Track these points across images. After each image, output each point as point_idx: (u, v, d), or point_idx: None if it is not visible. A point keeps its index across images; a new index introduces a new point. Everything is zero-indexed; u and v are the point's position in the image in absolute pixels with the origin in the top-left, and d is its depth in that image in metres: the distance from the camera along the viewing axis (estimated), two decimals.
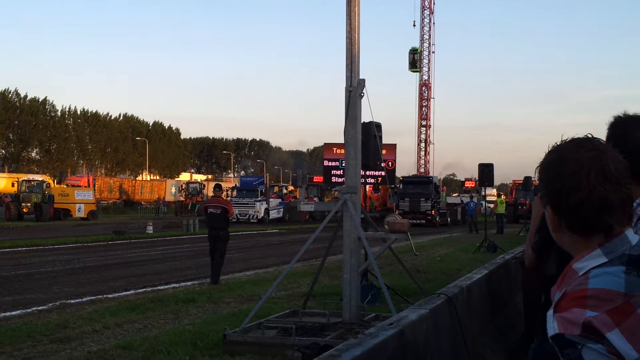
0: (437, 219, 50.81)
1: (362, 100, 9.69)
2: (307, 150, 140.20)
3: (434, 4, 76.19)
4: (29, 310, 12.31)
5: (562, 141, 1.71)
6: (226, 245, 16.08)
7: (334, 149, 40.84)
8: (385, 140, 12.96)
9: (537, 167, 1.72)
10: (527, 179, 40.30)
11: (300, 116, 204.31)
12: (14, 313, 12.00)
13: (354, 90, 9.56)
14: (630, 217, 1.63)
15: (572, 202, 1.61)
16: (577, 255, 1.65)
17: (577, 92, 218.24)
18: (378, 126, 11.08)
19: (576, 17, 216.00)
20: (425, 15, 75.95)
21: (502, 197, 42.81)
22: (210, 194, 68.35)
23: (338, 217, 10.27)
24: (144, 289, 15.18)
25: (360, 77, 9.66)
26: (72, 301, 13.26)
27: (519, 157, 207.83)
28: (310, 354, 7.14)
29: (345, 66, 9.63)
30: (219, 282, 15.57)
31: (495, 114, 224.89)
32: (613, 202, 1.59)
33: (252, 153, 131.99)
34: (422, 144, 77.67)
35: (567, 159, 1.64)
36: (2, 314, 11.88)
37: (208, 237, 16.36)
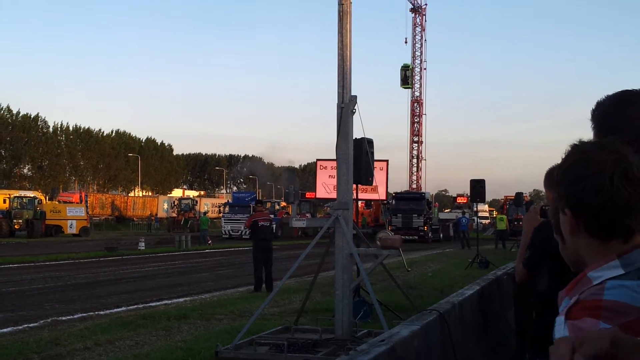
0: (430, 234, 50.87)
1: (354, 116, 9.74)
2: (300, 166, 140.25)
3: (425, 21, 76.57)
4: (20, 327, 12.27)
5: (580, 142, 1.69)
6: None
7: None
8: (377, 156, 13.01)
9: (556, 169, 1.69)
10: (519, 194, 40.40)
11: (293, 132, 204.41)
12: (5, 330, 11.95)
13: (346, 106, 9.61)
14: None
15: (594, 204, 1.58)
16: (593, 262, 1.63)
17: (570, 108, 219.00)
18: (370, 142, 11.13)
19: (570, 33, 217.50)
20: (416, 32, 76.30)
21: (503, 215, 42.91)
22: (203, 209, 68.45)
23: (330, 233, 10.28)
24: (135, 306, 15.14)
25: (352, 93, 9.71)
26: (64, 318, 13.20)
27: (511, 174, 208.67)
28: None
29: (337, 83, 9.68)
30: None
31: (488, 130, 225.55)
32: (635, 206, 1.57)
33: (245, 169, 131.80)
34: (414, 160, 77.79)
35: (590, 160, 1.60)
36: None
37: (257, 250, 17.29)
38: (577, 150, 1.66)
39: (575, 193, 1.62)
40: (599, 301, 1.51)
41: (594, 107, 2.48)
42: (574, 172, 1.63)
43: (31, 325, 12.46)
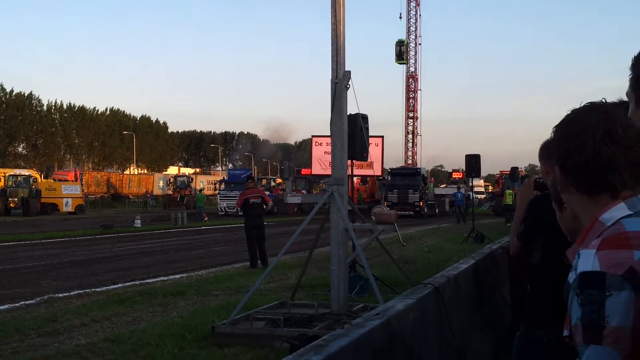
0: (425, 210, 50.96)
1: (349, 92, 9.69)
2: (295, 142, 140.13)
3: None
4: (17, 304, 12.30)
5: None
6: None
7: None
8: (373, 132, 12.96)
9: (552, 129, 1.77)
10: (514, 169, 40.41)
11: (289, 109, 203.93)
12: (1, 307, 11.98)
13: (340, 82, 9.56)
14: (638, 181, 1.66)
15: (577, 161, 1.65)
16: (585, 217, 1.69)
17: (568, 84, 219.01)
18: (364, 118, 11.10)
19: (567, 7, 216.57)
20: (411, 7, 75.83)
21: (513, 190, 42.33)
22: (199, 186, 68.57)
23: (325, 209, 10.28)
24: (132, 282, 15.17)
25: (347, 69, 9.66)
26: (60, 295, 13.23)
27: (507, 149, 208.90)
28: (299, 345, 7.16)
29: (331, 58, 9.63)
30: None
31: (483, 106, 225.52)
32: (618, 164, 1.62)
33: (240, 146, 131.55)
34: (410, 136, 77.68)
35: (577, 120, 1.69)
36: None
37: (249, 227, 17.31)
38: (571, 111, 1.75)
39: (562, 151, 1.70)
40: (624, 233, 1.54)
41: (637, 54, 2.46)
42: (562, 131, 1.72)
43: (28, 302, 12.48)
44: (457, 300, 7.53)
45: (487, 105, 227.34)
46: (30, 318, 10.48)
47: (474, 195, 35.51)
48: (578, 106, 1.75)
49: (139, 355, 8.05)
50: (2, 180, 53.34)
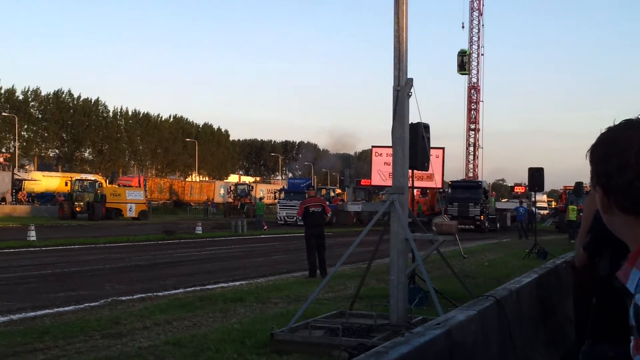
0: (486, 224, 50.24)
1: (410, 100, 9.63)
2: (355, 153, 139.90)
3: (482, 5, 75.27)
4: (82, 306, 12.58)
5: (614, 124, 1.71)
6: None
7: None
8: (433, 144, 12.82)
9: (588, 149, 1.72)
10: (579, 184, 39.46)
11: (349, 120, 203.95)
12: (67, 308, 12.27)
13: (402, 89, 9.51)
14: None
15: (621, 181, 1.60)
16: (630, 239, 1.63)
17: (634, 96, 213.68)
18: (426, 127, 11.01)
19: (634, 17, 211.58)
20: (474, 16, 75.21)
21: (576, 206, 40.87)
22: (259, 195, 69.28)
23: (385, 220, 10.23)
24: (193, 288, 15.37)
25: (408, 77, 9.61)
26: (123, 298, 13.49)
27: (571, 163, 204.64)
28: (358, 355, 7.16)
29: (393, 65, 9.58)
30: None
31: (547, 119, 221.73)
32: None
33: (301, 155, 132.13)
34: (471, 148, 76.92)
35: (616, 139, 1.64)
36: (56, 309, 12.15)
37: (309, 235, 17.51)
38: (607, 130, 1.70)
39: (603, 172, 1.65)
40: None
41: None
42: (601, 150, 1.67)
43: (92, 304, 12.76)
44: (519, 314, 7.43)
45: (551, 117, 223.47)
46: (94, 320, 10.71)
47: (537, 211, 34.68)
48: (613, 124, 1.70)
49: (199, 359, 8.15)
50: (69, 184, 54.71)
